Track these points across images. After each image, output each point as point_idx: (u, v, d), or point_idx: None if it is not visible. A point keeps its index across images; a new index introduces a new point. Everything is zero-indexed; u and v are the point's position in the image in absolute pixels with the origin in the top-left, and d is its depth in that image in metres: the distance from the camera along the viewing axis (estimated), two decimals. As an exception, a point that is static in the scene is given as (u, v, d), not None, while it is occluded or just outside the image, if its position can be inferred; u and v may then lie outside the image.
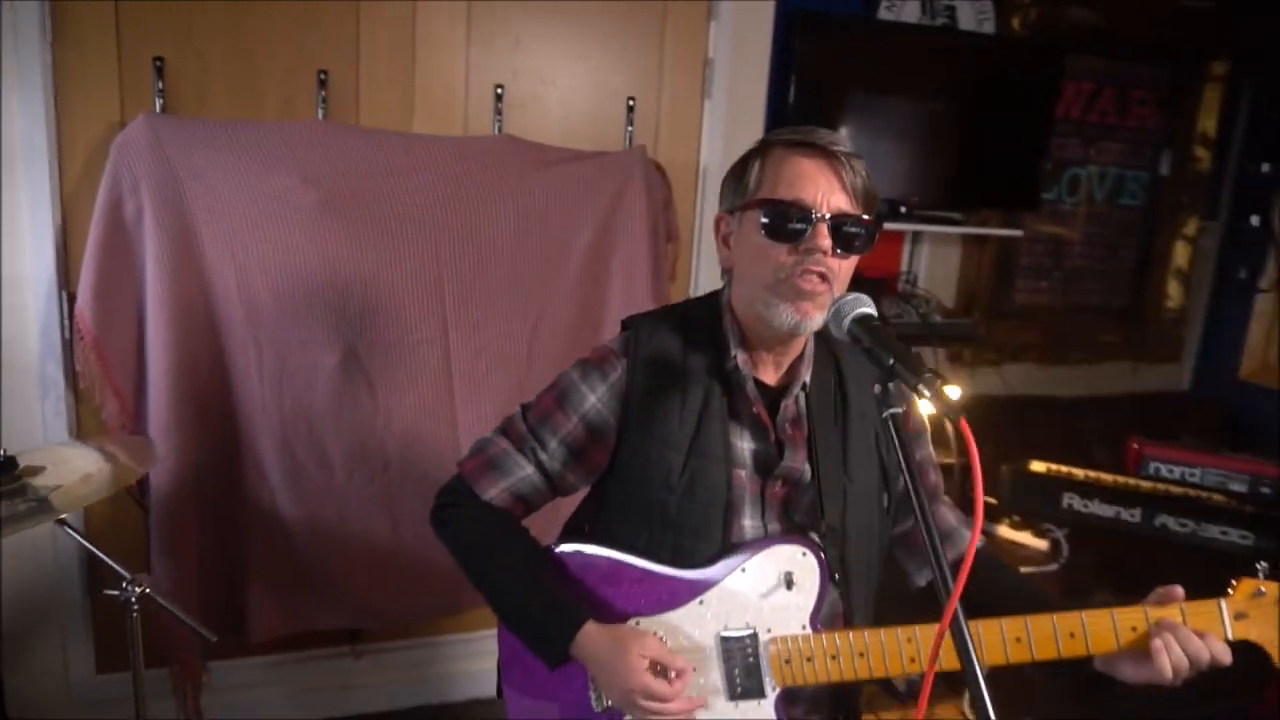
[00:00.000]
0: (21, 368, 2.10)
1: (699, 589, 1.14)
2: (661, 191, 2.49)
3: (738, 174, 1.18)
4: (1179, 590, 1.10)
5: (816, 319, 1.10)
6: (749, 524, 1.17)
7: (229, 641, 2.34)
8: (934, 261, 3.14)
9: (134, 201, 1.99)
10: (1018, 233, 3.11)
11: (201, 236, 2.05)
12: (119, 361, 2.05)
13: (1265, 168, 3.55)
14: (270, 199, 2.07)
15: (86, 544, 1.55)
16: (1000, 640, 1.09)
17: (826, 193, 1.09)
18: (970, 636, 0.86)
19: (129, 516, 2.24)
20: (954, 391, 0.87)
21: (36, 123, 2.01)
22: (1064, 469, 2.51)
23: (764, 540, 1.15)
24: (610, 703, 1.14)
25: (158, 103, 2.08)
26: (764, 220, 1.08)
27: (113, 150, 1.98)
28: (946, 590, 0.86)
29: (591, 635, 1.11)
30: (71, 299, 2.10)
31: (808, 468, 1.18)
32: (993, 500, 2.60)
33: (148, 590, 1.52)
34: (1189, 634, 1.04)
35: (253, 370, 2.14)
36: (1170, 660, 1.03)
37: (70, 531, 1.48)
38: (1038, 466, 2.54)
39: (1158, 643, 1.04)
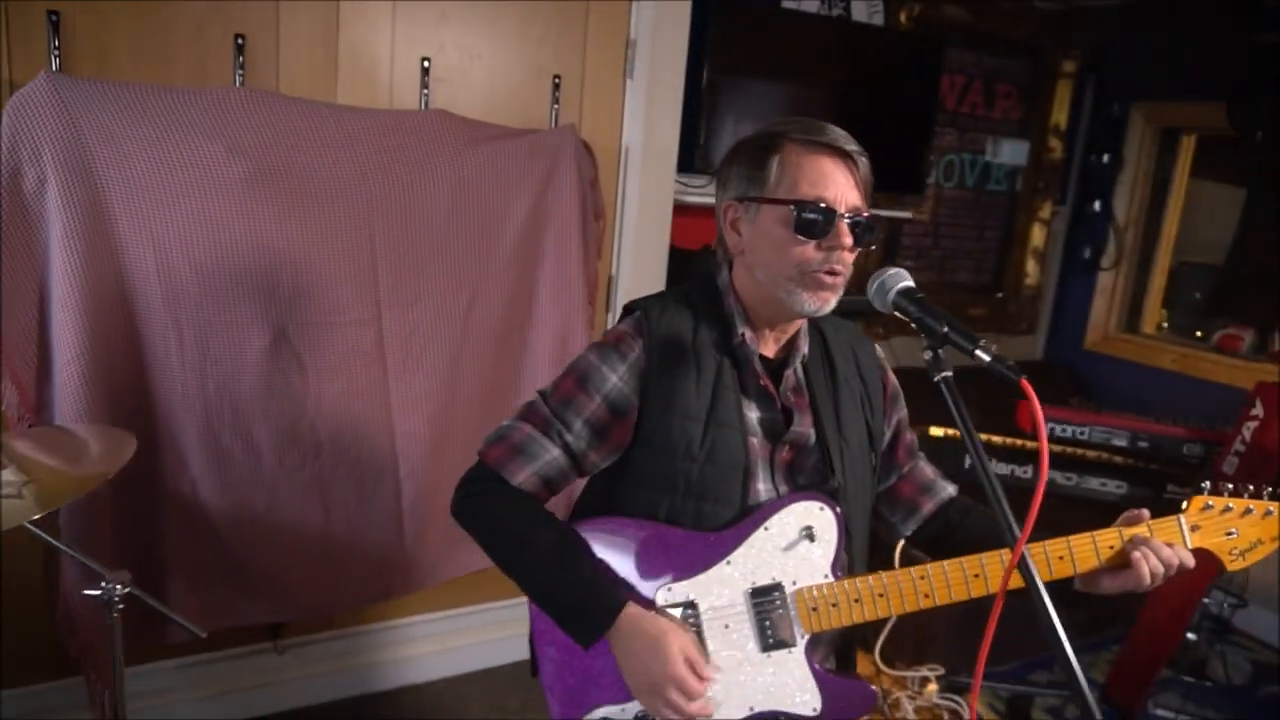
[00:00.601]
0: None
1: (726, 549, 1.20)
2: (589, 170, 2.51)
3: (751, 165, 1.21)
4: (1145, 512, 1.26)
5: (832, 303, 1.18)
6: (763, 487, 1.24)
7: (143, 645, 2.21)
8: (831, 241, 3.32)
9: (35, 171, 1.81)
10: (906, 214, 3.34)
11: (114, 210, 1.89)
12: (17, 347, 1.87)
13: (1105, 158, 3.97)
14: (192, 170, 1.94)
15: (57, 544, 1.42)
16: (1000, 568, 1.20)
17: (845, 191, 1.16)
18: (1030, 563, 0.96)
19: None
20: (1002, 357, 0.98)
21: (-91, 80, 1.79)
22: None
23: (784, 499, 1.22)
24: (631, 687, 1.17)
25: (54, 61, 1.89)
26: (794, 218, 1.14)
27: (6, 112, 1.79)
28: (1011, 531, 0.95)
29: (632, 618, 1.14)
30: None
31: (813, 431, 1.26)
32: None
33: (130, 588, 1.41)
34: (1160, 544, 1.20)
35: (173, 355, 2.00)
36: (1149, 568, 1.18)
37: (40, 532, 1.35)
38: (936, 431, 2.75)
39: (1137, 555, 1.19)
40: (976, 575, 1.21)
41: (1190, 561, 1.21)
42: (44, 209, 1.84)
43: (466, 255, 2.31)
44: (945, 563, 1.21)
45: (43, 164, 1.81)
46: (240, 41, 2.07)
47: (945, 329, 1.02)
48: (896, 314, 1.10)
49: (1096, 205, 4.01)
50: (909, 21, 3.25)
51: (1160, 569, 1.19)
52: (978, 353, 0.99)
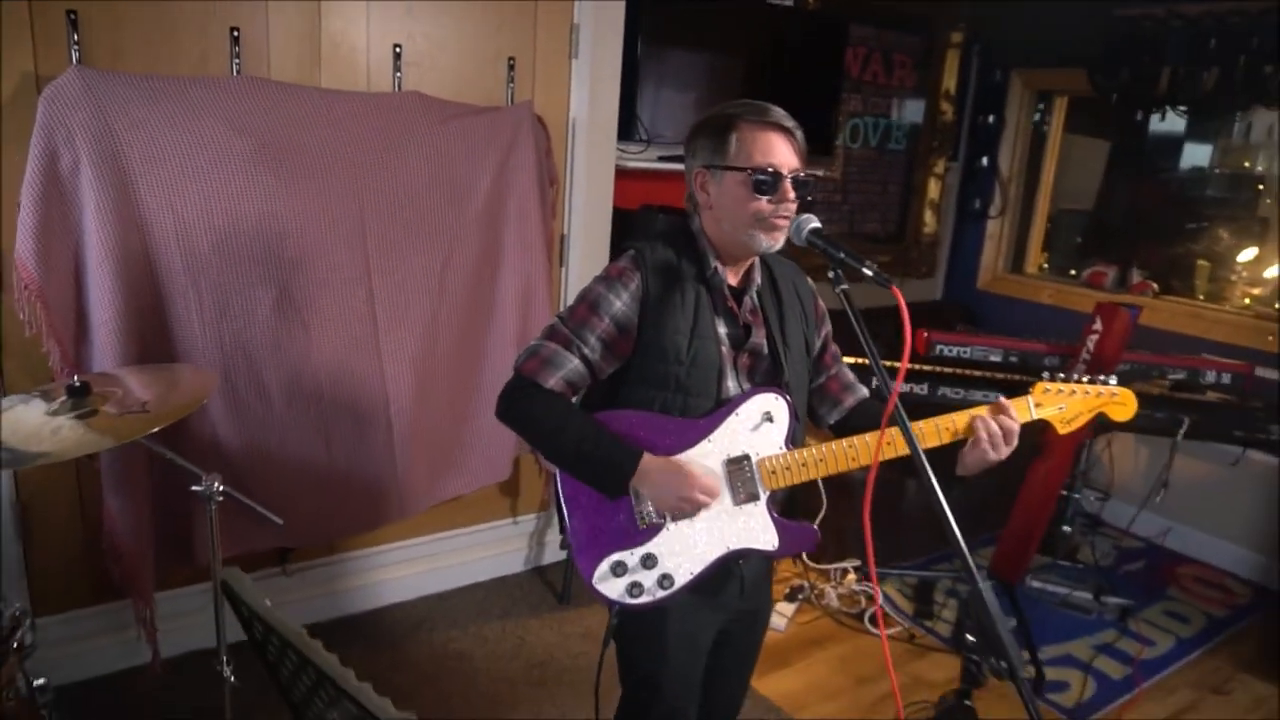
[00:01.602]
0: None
1: (707, 431, 1.57)
2: (544, 141, 2.86)
3: (714, 140, 1.55)
4: (1004, 399, 1.67)
5: (780, 241, 1.55)
6: (731, 385, 1.61)
7: (173, 572, 2.52)
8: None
9: (69, 154, 2.07)
10: (818, 172, 3.77)
11: (139, 187, 2.16)
12: (58, 310, 2.14)
13: (991, 119, 4.48)
14: (205, 148, 2.22)
15: (162, 449, 1.73)
16: (898, 437, 1.61)
17: (787, 157, 1.52)
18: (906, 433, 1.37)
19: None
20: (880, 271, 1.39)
21: (-53, 76, 2.03)
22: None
23: (749, 392, 1.60)
24: (653, 518, 1.56)
25: (73, 55, 2.14)
26: (751, 181, 1.51)
27: (42, 103, 2.04)
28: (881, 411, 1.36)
29: (651, 462, 1.51)
30: (-4, 253, 2.15)
31: (765, 342, 1.66)
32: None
33: (222, 486, 1.73)
34: (990, 416, 1.61)
35: (193, 312, 2.29)
36: (986, 432, 1.56)
37: (147, 442, 1.64)
38: (848, 360, 3.21)
39: (976, 423, 1.60)
40: (889, 443, 1.60)
41: (1017, 422, 1.62)
42: (78, 187, 2.10)
43: (442, 220, 2.64)
44: (865, 435, 1.61)
45: (76, 147, 2.07)
46: (236, 34, 2.35)
47: (841, 254, 1.42)
48: (809, 246, 1.49)
49: (984, 161, 4.52)
50: (816, 1, 3.65)
51: (996, 430, 1.57)
52: (864, 269, 1.39)
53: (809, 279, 1.81)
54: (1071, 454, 2.85)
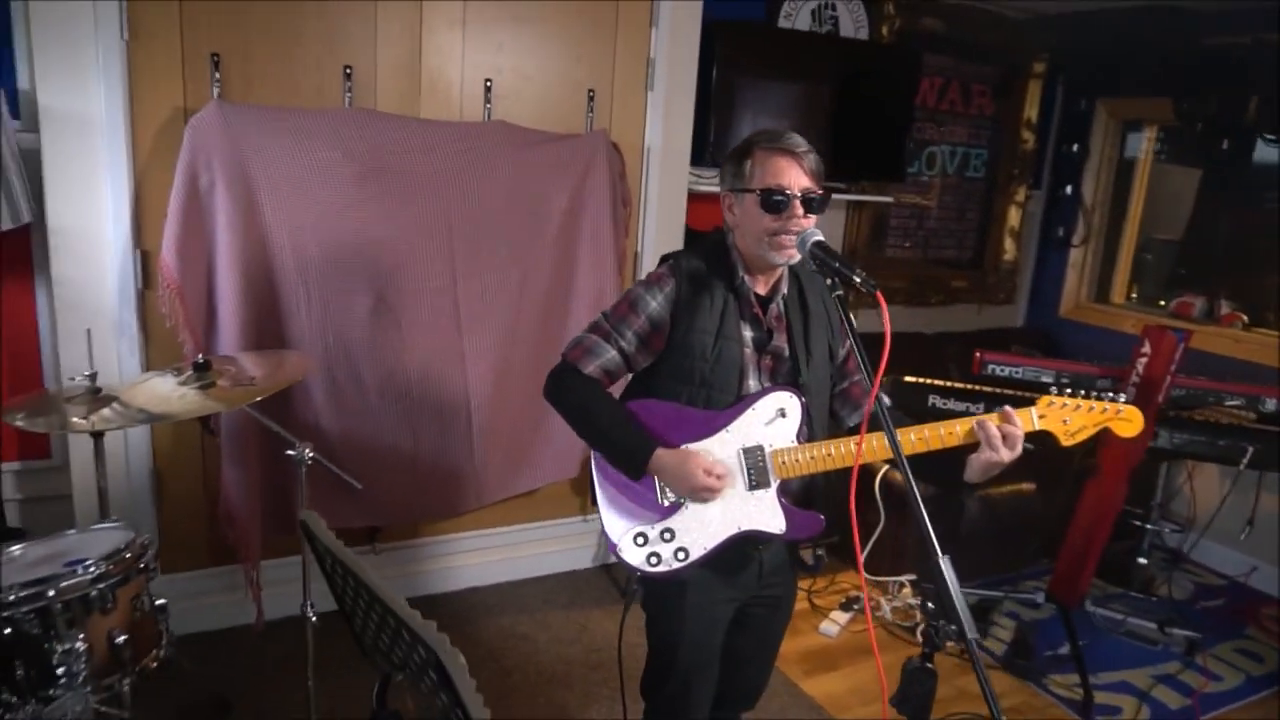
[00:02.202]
0: (102, 314, 2.53)
1: (726, 422, 1.75)
2: (618, 165, 3.11)
3: (735, 166, 1.75)
4: (1008, 407, 1.77)
5: (792, 254, 1.71)
6: (752, 382, 1.79)
7: (278, 542, 2.85)
8: (823, 222, 3.84)
9: (207, 175, 2.45)
10: (889, 199, 3.89)
11: (262, 204, 2.52)
12: (193, 305, 2.51)
13: (1074, 148, 4.48)
14: (317, 171, 2.56)
15: (265, 419, 2.06)
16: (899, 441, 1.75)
17: (797, 178, 1.69)
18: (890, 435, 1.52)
19: (191, 436, 2.72)
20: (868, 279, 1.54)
21: (115, 108, 2.43)
22: (927, 379, 3.30)
23: (765, 389, 1.77)
24: (674, 497, 1.75)
25: (214, 90, 2.52)
26: (762, 201, 1.70)
27: (188, 132, 2.43)
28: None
29: (662, 455, 1.70)
30: (145, 256, 2.54)
31: (787, 346, 1.83)
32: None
33: (313, 453, 2.03)
34: (1004, 417, 1.67)
35: (302, 312, 2.64)
36: (986, 435, 1.67)
37: (251, 410, 1.96)
38: (909, 379, 3.31)
39: (975, 426, 1.69)
40: (950, 434, 1.73)
41: (1021, 432, 1.70)
42: (213, 203, 2.47)
43: (520, 237, 2.92)
44: (872, 435, 1.75)
45: (213, 169, 2.44)
46: (348, 71, 2.70)
47: (837, 264, 1.58)
48: (811, 257, 1.66)
49: (1068, 189, 4.51)
50: (890, 34, 3.79)
51: (996, 433, 1.66)
52: (854, 277, 1.54)
53: (837, 295, 1.97)
54: (1124, 476, 2.84)
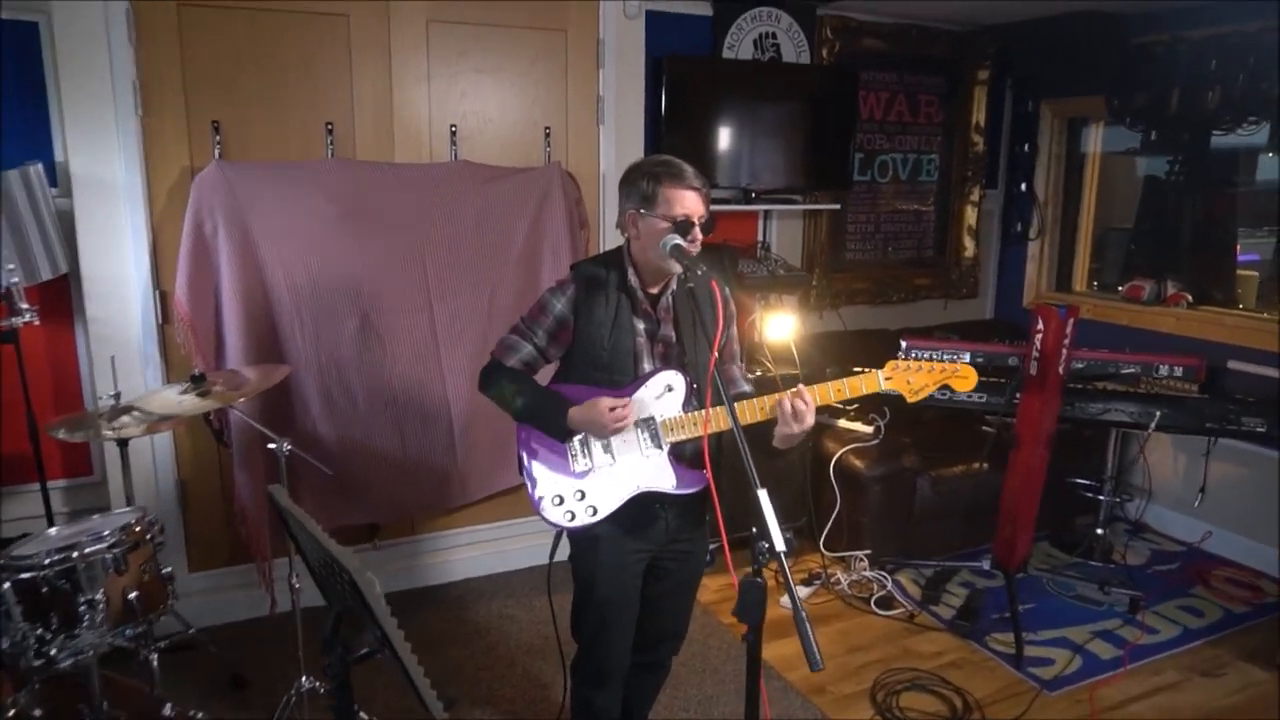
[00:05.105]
0: (129, 345, 2.97)
1: (624, 397, 2.10)
2: (574, 192, 3.49)
3: (639, 189, 2.07)
4: (802, 386, 2.04)
5: (676, 269, 2.05)
6: (646, 365, 2.13)
7: (284, 543, 3.25)
8: (782, 232, 4.22)
9: (211, 223, 2.89)
10: (836, 206, 4.21)
11: (259, 245, 2.96)
12: (203, 335, 2.94)
13: (1025, 147, 4.75)
14: (304, 214, 2.99)
15: (250, 420, 2.48)
16: (756, 410, 2.07)
17: (695, 207, 2.05)
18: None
19: (210, 450, 3.15)
20: (705, 272, 1.90)
21: (133, 173, 2.89)
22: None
23: (654, 370, 2.11)
24: (586, 464, 2.08)
25: (216, 151, 2.97)
26: (677, 229, 2.01)
27: (194, 189, 2.87)
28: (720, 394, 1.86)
29: (574, 411, 2.04)
30: (163, 295, 2.99)
31: (674, 334, 2.17)
32: (836, 404, 3.68)
33: (290, 447, 2.43)
34: (796, 394, 1.95)
35: (297, 334, 3.05)
36: (781, 411, 1.93)
37: (236, 410, 2.37)
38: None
39: (779, 403, 1.97)
40: (761, 408, 2.07)
41: (805, 409, 1.94)
42: (217, 245, 2.91)
43: (488, 261, 3.31)
44: (744, 401, 2.08)
45: (216, 218, 2.88)
46: (330, 127, 3.13)
47: (687, 260, 1.93)
48: (670, 254, 2.01)
49: (1023, 187, 4.78)
50: (830, 56, 4.13)
51: (788, 409, 1.92)
52: (695, 268, 1.89)
53: (724, 289, 2.29)
54: (1042, 443, 3.10)
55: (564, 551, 2.24)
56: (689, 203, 2.03)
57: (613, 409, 2.01)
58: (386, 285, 3.15)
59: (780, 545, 1.62)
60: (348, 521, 3.29)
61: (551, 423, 2.08)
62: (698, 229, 2.03)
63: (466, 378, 3.33)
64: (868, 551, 3.74)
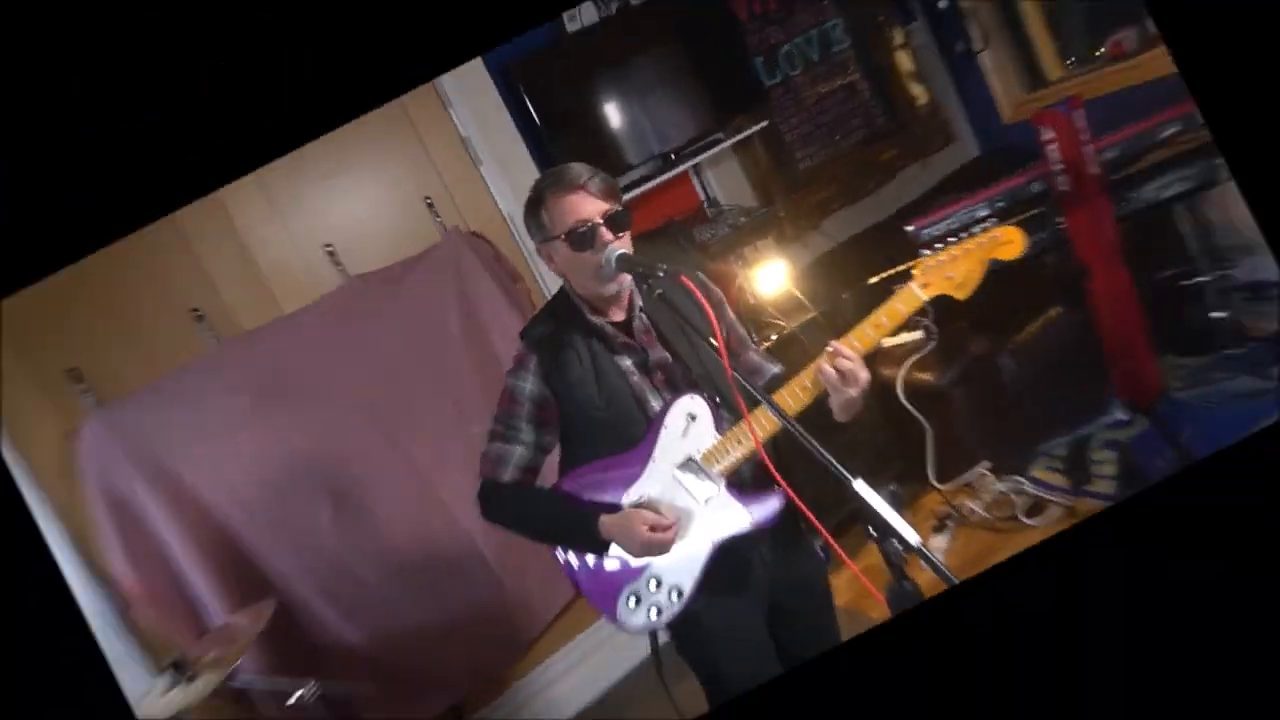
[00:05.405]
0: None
1: (648, 453, 1.67)
2: (487, 250, 3.02)
3: (534, 217, 1.70)
4: (834, 341, 1.59)
5: (626, 281, 1.66)
6: (654, 403, 1.70)
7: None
8: (722, 179, 3.74)
9: (122, 479, 2.47)
10: (763, 123, 3.69)
11: (181, 472, 2.53)
12: (169, 602, 2.51)
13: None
14: (214, 418, 2.58)
15: (253, 677, 2.06)
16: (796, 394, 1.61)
17: (593, 207, 1.63)
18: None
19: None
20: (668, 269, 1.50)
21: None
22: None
23: (665, 405, 1.68)
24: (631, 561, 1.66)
25: (87, 400, 2.53)
26: (571, 243, 1.63)
27: (80, 456, 2.45)
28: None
29: (607, 523, 1.63)
30: (107, 581, 2.55)
31: (667, 354, 1.72)
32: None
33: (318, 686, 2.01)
34: (831, 355, 1.55)
35: (269, 548, 2.62)
36: (827, 380, 1.55)
37: (243, 677, 1.94)
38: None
39: (820, 374, 1.56)
40: (804, 388, 1.61)
41: (850, 365, 1.55)
42: (139, 501, 2.48)
43: (432, 371, 2.85)
44: (780, 391, 1.63)
45: (124, 472, 2.46)
46: (198, 314, 2.68)
47: (641, 269, 1.56)
48: (624, 270, 1.60)
49: (942, 4, 4.24)
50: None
51: (833, 376, 1.55)
52: (659, 272, 1.52)
53: (696, 274, 1.82)
54: (1114, 258, 2.58)
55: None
56: (576, 206, 1.64)
57: (653, 526, 1.61)
58: (347, 452, 2.72)
59: (913, 537, 1.23)
60: (424, 715, 2.83)
61: (583, 541, 1.69)
62: (603, 230, 1.63)
63: (473, 494, 2.86)
64: (987, 464, 3.20)
